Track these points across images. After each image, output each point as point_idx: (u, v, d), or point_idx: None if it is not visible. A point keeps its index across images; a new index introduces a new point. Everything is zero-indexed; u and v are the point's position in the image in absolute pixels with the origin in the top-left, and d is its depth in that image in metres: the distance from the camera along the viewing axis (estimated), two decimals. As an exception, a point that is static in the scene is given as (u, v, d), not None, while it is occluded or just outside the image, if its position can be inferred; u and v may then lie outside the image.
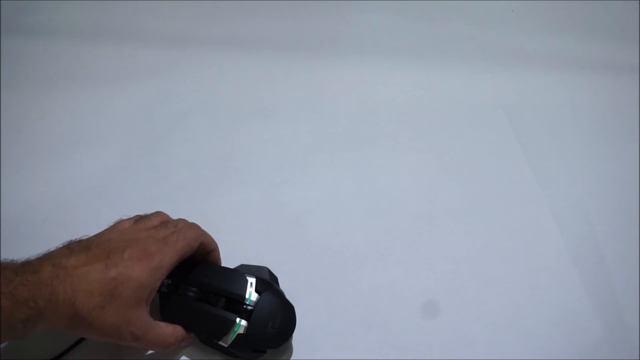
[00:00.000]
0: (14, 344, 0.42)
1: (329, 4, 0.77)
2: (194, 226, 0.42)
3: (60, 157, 0.57)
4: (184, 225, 0.41)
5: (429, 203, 0.54)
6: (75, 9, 0.75)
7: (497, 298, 0.47)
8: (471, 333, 0.45)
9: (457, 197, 0.54)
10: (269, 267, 0.44)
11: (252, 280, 0.41)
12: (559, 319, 0.45)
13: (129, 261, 0.36)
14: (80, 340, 0.42)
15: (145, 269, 0.36)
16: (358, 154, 0.58)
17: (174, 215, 0.44)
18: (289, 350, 0.43)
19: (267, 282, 0.42)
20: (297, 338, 0.43)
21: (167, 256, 0.38)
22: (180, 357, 0.43)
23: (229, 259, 0.45)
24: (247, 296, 0.40)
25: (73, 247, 0.37)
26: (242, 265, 0.44)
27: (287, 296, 0.43)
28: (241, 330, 0.40)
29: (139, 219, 0.42)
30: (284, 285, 0.44)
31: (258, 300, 0.40)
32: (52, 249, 0.37)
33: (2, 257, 0.35)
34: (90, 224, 0.39)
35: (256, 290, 0.41)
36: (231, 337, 0.39)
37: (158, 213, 0.43)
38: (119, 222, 0.41)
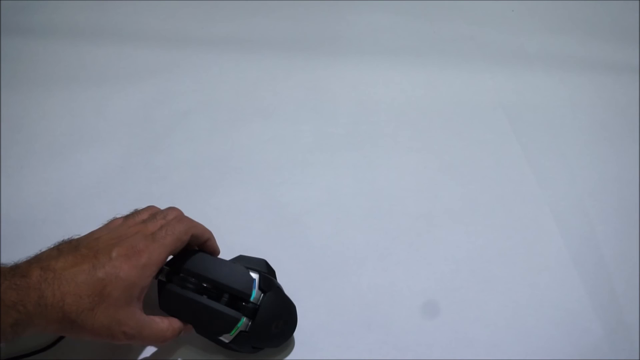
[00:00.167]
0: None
1: (329, 4, 0.77)
2: (183, 219, 0.41)
3: (60, 157, 0.57)
4: (173, 218, 0.40)
5: (429, 203, 0.54)
6: (75, 9, 0.75)
7: (497, 298, 0.47)
8: (471, 333, 0.45)
9: (457, 197, 0.54)
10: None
11: (256, 277, 0.41)
12: (559, 319, 0.45)
13: (117, 260, 0.35)
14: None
15: (133, 268, 0.36)
16: (358, 154, 0.58)
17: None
18: (289, 349, 0.43)
19: (270, 279, 0.42)
20: (297, 338, 0.43)
21: (156, 253, 0.37)
22: (179, 357, 0.43)
23: (228, 258, 0.45)
24: (251, 294, 0.40)
25: (62, 248, 0.36)
26: (240, 256, 0.43)
27: (286, 294, 0.43)
28: (244, 328, 0.39)
29: (129, 214, 0.41)
30: (283, 285, 0.44)
31: (263, 299, 0.40)
32: (42, 250, 0.37)
33: (2, 257, 0.35)
34: (90, 224, 0.39)
35: (260, 288, 0.40)
36: (233, 334, 0.39)
37: (148, 207, 0.42)
38: (112, 220, 0.41)
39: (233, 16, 0.75)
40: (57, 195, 0.53)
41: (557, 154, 0.58)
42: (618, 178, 0.56)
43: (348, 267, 0.49)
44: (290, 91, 0.65)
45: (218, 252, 0.43)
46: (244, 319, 0.39)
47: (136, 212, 0.41)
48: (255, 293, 0.40)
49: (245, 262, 0.42)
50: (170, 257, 0.40)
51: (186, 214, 0.43)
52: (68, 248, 0.36)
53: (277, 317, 0.41)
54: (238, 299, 0.40)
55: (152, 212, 0.41)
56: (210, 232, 0.43)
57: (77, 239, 0.38)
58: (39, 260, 0.35)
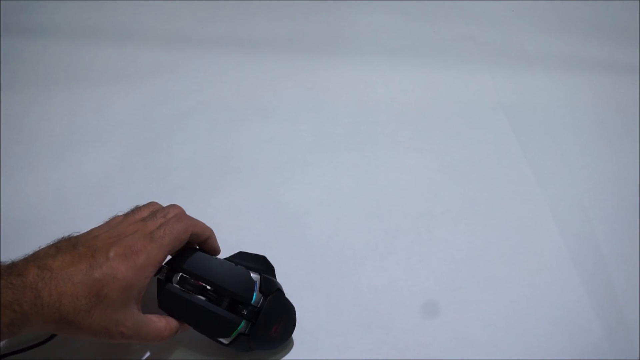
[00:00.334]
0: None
1: (329, 4, 0.77)
2: (183, 217, 0.40)
3: (60, 157, 0.57)
4: (173, 216, 0.40)
5: (429, 203, 0.54)
6: (75, 9, 0.75)
7: (497, 298, 0.47)
8: (471, 333, 0.45)
9: (457, 197, 0.54)
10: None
11: (256, 280, 0.41)
12: (559, 319, 0.45)
13: (114, 261, 0.35)
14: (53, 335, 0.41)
15: (131, 269, 0.35)
16: (358, 153, 0.58)
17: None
18: (289, 348, 0.43)
19: (271, 282, 0.42)
20: (297, 338, 0.43)
21: (154, 253, 0.37)
22: (178, 357, 0.43)
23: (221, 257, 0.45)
24: (252, 297, 0.40)
25: (60, 246, 0.36)
26: (240, 252, 0.43)
27: (287, 296, 0.43)
28: (243, 330, 0.39)
29: (130, 211, 0.41)
30: (283, 285, 0.44)
31: (264, 304, 0.40)
32: (41, 246, 0.36)
33: (2, 257, 0.35)
34: (90, 224, 0.39)
35: (260, 291, 0.40)
36: (232, 336, 0.39)
37: (150, 204, 0.42)
38: (113, 218, 0.41)
39: (233, 16, 0.75)
40: (57, 195, 0.53)
41: (557, 154, 0.58)
42: (618, 178, 0.56)
43: (348, 267, 0.49)
44: (290, 91, 0.65)
45: (219, 251, 0.43)
46: (243, 322, 0.39)
47: (137, 209, 0.41)
48: (255, 296, 0.40)
49: (245, 259, 0.42)
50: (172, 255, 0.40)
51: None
52: (66, 246, 0.36)
53: (276, 320, 0.41)
54: (238, 301, 0.40)
55: (153, 210, 0.41)
56: (210, 230, 0.42)
57: (76, 237, 0.38)
58: (36, 259, 0.35)
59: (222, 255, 0.43)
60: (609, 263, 0.49)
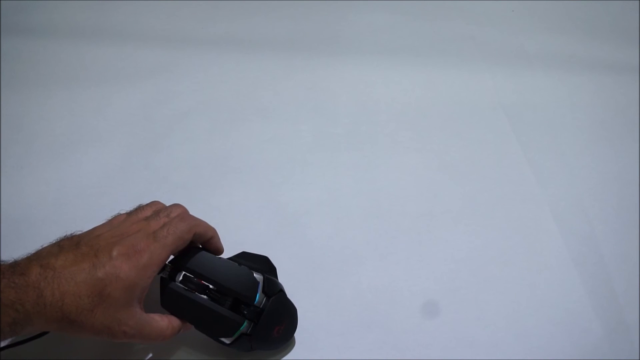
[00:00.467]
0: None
1: (329, 4, 0.77)
2: (186, 217, 0.40)
3: (60, 157, 0.57)
4: (176, 216, 0.40)
5: (429, 203, 0.54)
6: (75, 9, 0.75)
7: (497, 298, 0.47)
8: (471, 333, 0.45)
9: (457, 197, 0.54)
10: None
11: (260, 281, 0.41)
12: (559, 319, 0.45)
13: (117, 260, 0.35)
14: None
15: (134, 268, 0.35)
16: (358, 153, 0.58)
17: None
18: (289, 348, 0.43)
19: (274, 283, 0.42)
20: (297, 338, 0.43)
21: (157, 253, 0.37)
22: (179, 357, 0.43)
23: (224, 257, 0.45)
24: (255, 298, 0.40)
25: (63, 245, 0.36)
26: (243, 253, 0.43)
27: (287, 296, 0.43)
28: (245, 330, 0.39)
29: (133, 210, 0.41)
30: (283, 285, 0.44)
31: (267, 305, 0.40)
32: (44, 245, 0.36)
33: (2, 257, 0.35)
34: (90, 224, 0.39)
35: (263, 291, 0.40)
36: (234, 336, 0.39)
37: (153, 203, 0.42)
38: (115, 216, 0.41)
39: (233, 16, 0.75)
40: (57, 195, 0.53)
41: (557, 154, 0.58)
42: (618, 178, 0.56)
43: (348, 267, 0.49)
44: (290, 91, 0.65)
45: (222, 250, 0.43)
46: (246, 323, 0.39)
47: (140, 208, 0.41)
48: (258, 296, 0.40)
49: (248, 259, 0.42)
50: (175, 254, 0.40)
51: (186, 213, 0.43)
52: (69, 245, 0.36)
53: (279, 321, 0.41)
54: (241, 301, 0.40)
55: (156, 209, 0.41)
56: (214, 230, 0.42)
57: (79, 235, 0.38)
58: (39, 258, 0.35)
59: (225, 255, 0.43)
60: (609, 263, 0.49)
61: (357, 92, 0.65)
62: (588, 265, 0.49)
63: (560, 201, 0.54)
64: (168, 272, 0.40)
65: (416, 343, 0.44)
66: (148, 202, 0.43)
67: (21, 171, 0.55)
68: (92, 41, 0.70)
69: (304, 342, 0.43)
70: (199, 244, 0.42)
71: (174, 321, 0.38)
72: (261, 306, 0.40)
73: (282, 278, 0.43)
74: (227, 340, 0.40)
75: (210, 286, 0.39)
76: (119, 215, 0.41)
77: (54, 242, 0.37)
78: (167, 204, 0.42)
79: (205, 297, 0.39)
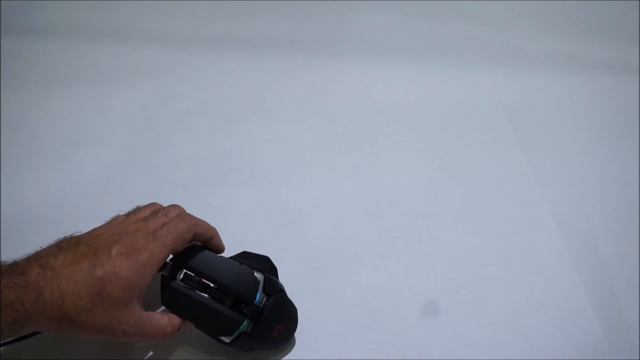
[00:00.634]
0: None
1: (329, 4, 0.77)
2: (186, 217, 0.40)
3: (60, 157, 0.57)
4: (175, 216, 0.40)
5: (429, 203, 0.54)
6: (75, 9, 0.75)
7: (497, 298, 0.47)
8: (471, 333, 0.45)
9: (457, 197, 0.54)
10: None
11: (260, 280, 0.41)
12: (559, 319, 0.45)
13: (116, 259, 0.35)
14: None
15: (133, 267, 0.35)
16: (358, 153, 0.58)
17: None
18: (289, 348, 0.43)
19: (275, 282, 0.42)
20: (297, 338, 0.43)
21: (156, 251, 0.37)
22: (179, 357, 0.43)
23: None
24: (255, 297, 0.40)
25: (62, 245, 0.36)
26: (244, 252, 0.43)
27: (288, 296, 0.43)
28: (245, 329, 0.39)
29: (131, 211, 0.41)
30: (283, 285, 0.44)
31: (268, 304, 0.40)
32: (43, 246, 0.36)
33: (2, 257, 0.35)
34: (90, 224, 0.39)
35: (264, 291, 0.40)
36: (234, 335, 0.39)
37: (151, 204, 0.42)
38: (114, 217, 0.41)
39: (233, 16, 0.75)
40: (57, 195, 0.53)
41: (557, 154, 0.58)
42: (618, 178, 0.56)
43: (348, 267, 0.49)
44: (290, 91, 0.65)
45: (223, 249, 0.43)
46: (246, 322, 0.39)
47: (138, 209, 0.41)
48: (259, 296, 0.40)
49: (249, 259, 0.42)
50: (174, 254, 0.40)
51: (186, 213, 0.43)
52: (68, 245, 0.36)
53: (279, 321, 0.41)
54: (241, 300, 0.40)
55: (154, 209, 0.41)
56: (214, 230, 0.42)
57: (78, 236, 0.38)
58: (38, 258, 0.35)
59: (226, 254, 0.43)
60: (609, 263, 0.49)
61: (357, 92, 0.65)
62: (588, 265, 0.49)
63: (560, 201, 0.54)
64: (169, 270, 0.40)
65: (416, 343, 0.44)
66: (147, 202, 0.43)
67: (21, 171, 0.55)
68: (92, 41, 0.70)
69: (304, 342, 0.43)
70: (200, 243, 0.42)
71: (174, 319, 0.39)
72: (261, 305, 0.40)
73: (282, 278, 0.43)
74: (226, 339, 0.40)
75: (211, 284, 0.40)
76: (118, 216, 0.41)
77: (53, 243, 0.37)
78: (167, 204, 0.42)
79: (205, 295, 0.39)
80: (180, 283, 0.39)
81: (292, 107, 0.63)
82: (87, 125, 0.60)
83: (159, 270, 0.38)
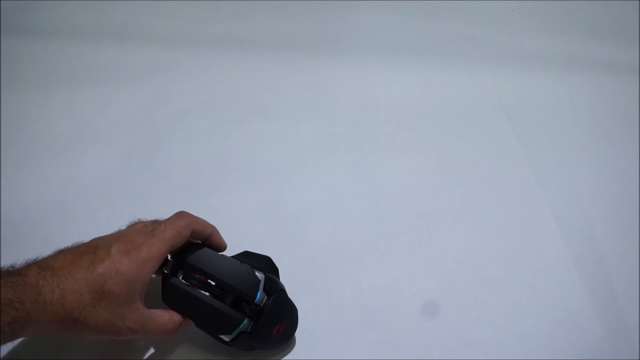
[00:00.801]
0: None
1: (329, 4, 0.77)
2: (184, 214, 0.40)
3: (60, 157, 0.57)
4: (174, 214, 0.40)
5: (429, 203, 0.54)
6: (75, 9, 0.75)
7: (497, 298, 0.47)
8: (471, 333, 0.45)
9: (457, 197, 0.54)
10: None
11: (261, 279, 0.41)
12: (559, 319, 0.45)
13: (116, 255, 0.35)
14: None
15: (133, 262, 0.35)
16: (358, 153, 0.58)
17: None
18: (289, 348, 0.43)
19: (275, 282, 0.42)
20: (297, 337, 0.43)
21: (155, 247, 0.37)
22: (179, 357, 0.43)
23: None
24: (256, 296, 0.40)
25: (62, 250, 0.36)
26: (246, 252, 0.43)
27: (290, 299, 0.43)
28: (245, 329, 0.39)
29: (134, 223, 0.41)
30: (284, 284, 0.44)
31: (268, 303, 0.40)
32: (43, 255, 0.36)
33: (2, 257, 0.35)
34: (90, 224, 0.39)
35: (264, 290, 0.40)
36: (234, 334, 0.39)
37: (156, 219, 0.42)
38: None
39: (233, 16, 0.75)
40: (57, 195, 0.53)
41: (557, 154, 0.58)
42: (618, 178, 0.56)
43: (348, 267, 0.49)
44: (290, 91, 0.65)
45: (224, 247, 0.43)
46: (246, 321, 0.39)
47: (140, 221, 0.42)
48: (259, 295, 0.40)
49: (251, 259, 0.42)
50: (176, 251, 0.40)
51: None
52: (68, 249, 0.36)
53: (279, 320, 0.41)
54: (242, 299, 0.40)
55: (156, 219, 0.41)
56: (213, 227, 0.42)
57: (79, 243, 0.38)
58: (37, 261, 0.35)
59: (227, 254, 0.43)
60: (609, 263, 0.49)
61: (357, 92, 0.65)
62: (588, 265, 0.49)
63: (560, 201, 0.54)
64: (170, 268, 0.40)
65: (416, 343, 0.44)
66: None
67: (21, 171, 0.55)
68: (92, 41, 0.70)
69: (304, 342, 0.43)
70: (200, 241, 0.42)
71: (175, 316, 0.39)
72: (262, 304, 0.40)
73: (282, 278, 0.43)
74: (226, 338, 0.40)
75: (212, 283, 0.40)
76: (119, 229, 0.41)
77: (55, 251, 0.37)
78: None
79: (206, 293, 0.39)
80: (181, 281, 0.39)
81: (292, 107, 0.63)
82: (87, 125, 0.60)
83: (160, 268, 0.39)
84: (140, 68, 0.67)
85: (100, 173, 0.55)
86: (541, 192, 0.55)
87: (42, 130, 0.59)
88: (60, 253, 0.36)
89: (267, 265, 0.43)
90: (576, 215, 0.53)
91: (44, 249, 0.37)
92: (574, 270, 0.48)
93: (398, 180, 0.56)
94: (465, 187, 0.55)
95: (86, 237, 0.39)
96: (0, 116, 0.60)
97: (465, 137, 0.60)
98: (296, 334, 0.43)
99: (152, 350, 0.43)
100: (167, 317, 0.38)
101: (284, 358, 0.43)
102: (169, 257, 0.40)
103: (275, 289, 0.41)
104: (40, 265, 0.34)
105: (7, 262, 0.35)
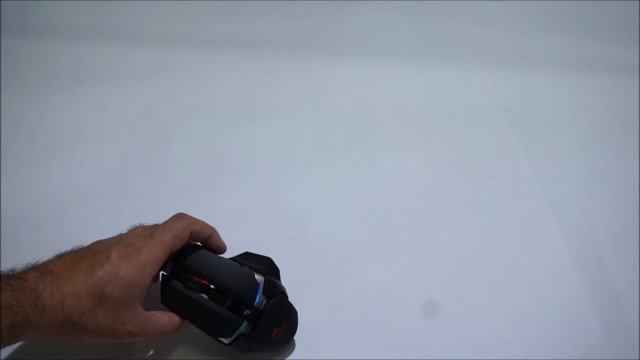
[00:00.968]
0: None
1: (329, 4, 0.77)
2: (182, 216, 0.40)
3: (60, 157, 0.57)
4: (172, 217, 0.40)
5: (429, 203, 0.54)
6: (75, 9, 0.75)
7: (497, 298, 0.47)
8: (471, 333, 0.45)
9: (457, 197, 0.54)
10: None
11: (261, 282, 0.40)
12: (559, 319, 0.45)
13: (116, 259, 0.35)
14: None
15: (132, 266, 0.35)
16: (358, 153, 0.58)
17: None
18: (290, 349, 0.43)
19: (275, 285, 0.41)
20: (297, 337, 0.43)
21: (155, 250, 0.37)
22: (179, 357, 0.43)
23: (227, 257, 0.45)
24: (255, 299, 0.40)
25: (62, 254, 0.36)
26: (247, 253, 0.43)
27: (288, 297, 0.43)
28: (244, 331, 0.39)
29: (134, 227, 0.41)
30: (283, 284, 0.44)
31: (267, 307, 0.40)
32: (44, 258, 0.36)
33: (2, 257, 0.35)
34: (90, 224, 0.39)
35: (264, 293, 0.40)
36: (233, 336, 0.39)
37: (156, 224, 0.43)
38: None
39: (233, 16, 0.75)
40: (57, 195, 0.53)
41: (557, 154, 0.58)
42: (618, 178, 0.56)
43: (348, 267, 0.49)
44: (290, 91, 0.65)
45: (224, 249, 0.43)
46: (245, 324, 0.39)
47: (141, 225, 0.41)
48: (259, 298, 0.40)
49: (251, 260, 0.42)
50: (176, 253, 0.40)
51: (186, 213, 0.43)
52: (68, 253, 0.36)
53: (278, 323, 0.41)
54: (241, 302, 0.40)
55: (155, 223, 0.41)
56: (212, 229, 0.42)
57: (80, 246, 0.38)
58: (37, 265, 0.35)
59: (228, 255, 0.43)
60: (609, 263, 0.49)
61: (357, 92, 0.65)
62: (588, 265, 0.49)
63: (560, 201, 0.54)
64: (169, 270, 0.40)
65: (416, 343, 0.44)
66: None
67: (21, 171, 0.55)
68: (92, 41, 0.70)
69: (304, 342, 0.43)
70: (199, 242, 0.42)
71: (174, 317, 0.39)
72: (261, 307, 0.40)
73: (282, 278, 0.43)
74: (225, 340, 0.40)
75: (211, 286, 0.39)
76: (120, 233, 0.41)
77: (55, 254, 0.37)
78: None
79: (205, 296, 0.39)
80: (180, 283, 0.39)
81: (292, 107, 0.63)
82: (87, 125, 0.60)
83: (160, 270, 0.38)
84: (140, 68, 0.67)
85: (100, 173, 0.55)
86: (541, 192, 0.55)
87: (42, 130, 0.59)
88: (60, 257, 0.36)
89: (268, 266, 0.43)
90: (576, 215, 0.53)
91: (44, 249, 0.37)
92: (574, 270, 0.48)
93: (398, 180, 0.56)
94: (465, 187, 0.55)
95: (86, 237, 0.39)
96: (0, 116, 0.60)
97: (466, 137, 0.60)
98: (296, 333, 0.43)
99: (151, 351, 0.43)
100: (166, 319, 0.38)
101: (284, 358, 0.43)
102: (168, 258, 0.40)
103: (275, 292, 0.41)
104: (40, 269, 0.34)
105: (7, 261, 0.35)
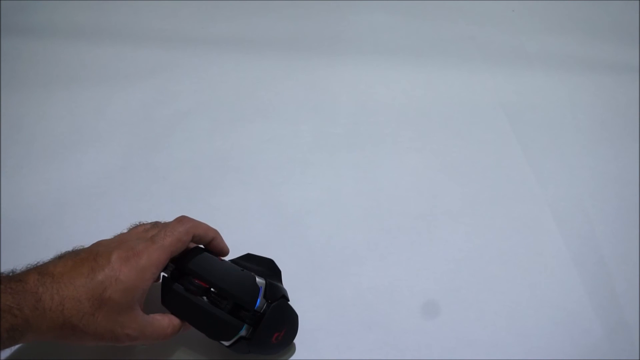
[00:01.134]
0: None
1: (329, 4, 0.77)
2: (184, 220, 0.40)
3: (60, 157, 0.57)
4: (174, 220, 0.40)
5: (429, 203, 0.54)
6: (75, 9, 0.75)
7: (497, 298, 0.47)
8: (471, 333, 0.45)
9: (457, 197, 0.54)
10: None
11: (262, 285, 0.40)
12: (559, 319, 0.45)
13: (116, 263, 0.35)
14: None
15: (133, 270, 0.35)
16: (358, 153, 0.58)
17: (174, 215, 0.44)
18: (290, 350, 0.43)
19: (276, 288, 0.41)
20: (297, 338, 0.43)
21: (155, 254, 0.37)
22: (179, 357, 0.43)
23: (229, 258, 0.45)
24: (255, 303, 0.39)
25: (62, 255, 0.36)
26: (248, 254, 0.43)
27: (289, 299, 0.43)
28: (245, 334, 0.39)
29: (134, 225, 0.41)
30: (284, 285, 0.44)
31: (268, 310, 0.40)
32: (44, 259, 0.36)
33: (2, 258, 0.35)
34: (90, 224, 0.39)
35: (265, 297, 0.40)
36: (233, 340, 0.39)
37: (155, 222, 0.42)
38: (118, 234, 0.41)
39: (233, 16, 0.75)
40: (57, 195, 0.53)
41: (557, 154, 0.58)
42: (618, 178, 0.56)
43: (348, 267, 0.49)
44: (290, 91, 0.65)
45: (226, 252, 0.43)
46: (245, 327, 0.39)
47: (141, 224, 0.41)
48: (259, 302, 0.40)
49: (252, 262, 0.42)
50: (178, 255, 0.40)
51: (186, 214, 0.43)
52: (69, 254, 0.36)
53: (278, 327, 0.40)
54: (241, 306, 0.39)
55: (155, 223, 0.41)
56: (215, 232, 0.42)
57: (81, 248, 0.38)
58: (37, 267, 0.35)
59: (230, 256, 0.43)
60: (609, 263, 0.49)
61: (357, 92, 0.65)
62: (588, 265, 0.49)
63: (560, 201, 0.54)
64: (170, 272, 0.40)
65: (416, 343, 0.44)
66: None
67: (21, 171, 0.55)
68: (92, 41, 0.70)
69: (304, 342, 0.43)
70: (202, 246, 0.42)
71: (174, 320, 0.39)
72: (262, 311, 0.40)
73: (283, 279, 0.43)
74: (225, 343, 0.40)
75: (212, 289, 0.39)
76: (121, 233, 0.41)
77: (55, 255, 0.37)
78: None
79: (205, 299, 0.39)
80: (181, 286, 0.39)
81: (292, 107, 0.63)
82: (87, 125, 0.60)
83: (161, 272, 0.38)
84: (140, 68, 0.67)
85: (100, 173, 0.55)
86: (541, 192, 0.55)
87: (42, 130, 0.59)
88: (61, 259, 0.35)
89: (269, 268, 0.43)
90: (576, 215, 0.53)
91: (44, 249, 0.37)
92: (574, 270, 0.48)
93: (398, 180, 0.56)
94: (465, 187, 0.55)
95: (86, 237, 0.39)
96: (0, 116, 0.60)
97: (466, 137, 0.60)
98: (297, 333, 0.43)
99: (151, 351, 0.43)
100: (166, 321, 0.38)
101: (284, 358, 0.43)
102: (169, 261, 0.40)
103: (276, 296, 0.41)
104: (41, 271, 0.34)
105: (7, 261, 0.35)
